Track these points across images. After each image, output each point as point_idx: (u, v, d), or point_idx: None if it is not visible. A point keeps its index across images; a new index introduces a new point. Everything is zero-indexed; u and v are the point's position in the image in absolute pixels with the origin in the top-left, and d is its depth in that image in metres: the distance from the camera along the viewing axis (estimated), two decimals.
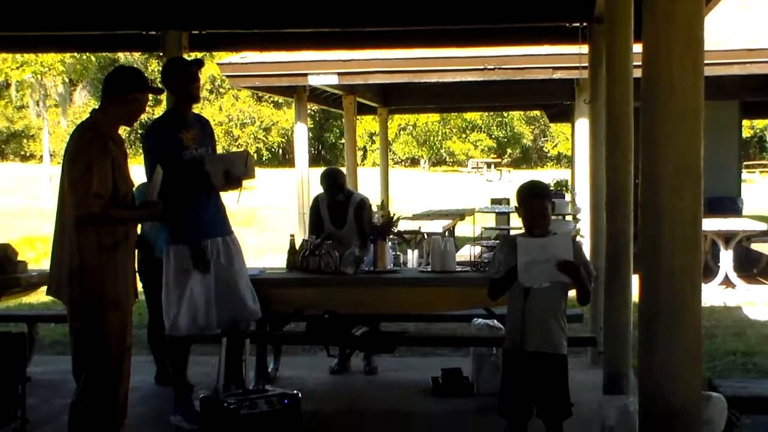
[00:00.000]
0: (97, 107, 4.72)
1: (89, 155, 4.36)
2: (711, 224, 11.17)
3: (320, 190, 7.19)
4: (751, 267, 12.52)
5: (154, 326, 6.71)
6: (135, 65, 34.57)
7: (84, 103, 40.11)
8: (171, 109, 5.80)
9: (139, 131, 42.55)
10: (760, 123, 42.55)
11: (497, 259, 4.49)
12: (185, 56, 7.82)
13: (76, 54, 29.98)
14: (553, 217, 4.53)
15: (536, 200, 4.40)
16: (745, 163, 31.79)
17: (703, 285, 3.19)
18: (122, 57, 35.62)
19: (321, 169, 7.64)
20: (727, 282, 11.50)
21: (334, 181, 6.98)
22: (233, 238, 5.73)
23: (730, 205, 13.95)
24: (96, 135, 4.43)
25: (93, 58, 33.51)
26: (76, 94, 41.88)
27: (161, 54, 7.86)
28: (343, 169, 8.78)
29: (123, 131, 4.72)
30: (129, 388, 4.70)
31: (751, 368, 7.48)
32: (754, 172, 39.23)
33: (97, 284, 4.37)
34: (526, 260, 4.18)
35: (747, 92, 13.91)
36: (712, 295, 10.61)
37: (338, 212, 7.02)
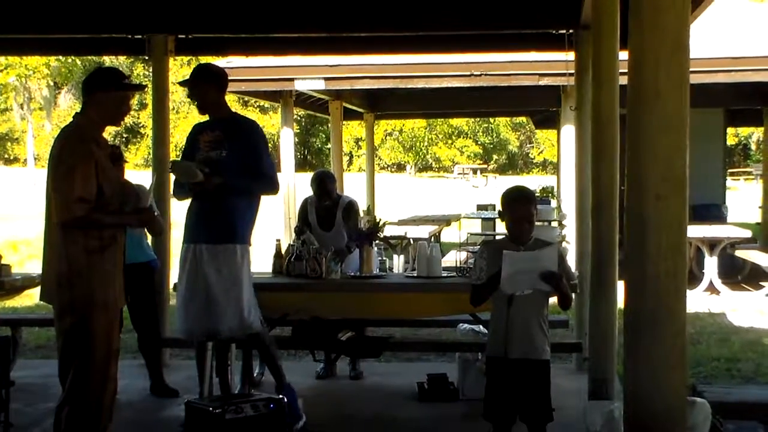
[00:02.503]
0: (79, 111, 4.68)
1: (72, 159, 4.33)
2: (696, 231, 11.23)
3: (308, 192, 7.19)
4: (735, 274, 12.57)
5: (143, 335, 6.69)
6: (120, 69, 34.47)
7: (69, 107, 39.94)
8: None
9: (124, 135, 42.49)
10: (744, 131, 42.79)
11: (478, 266, 4.49)
12: (172, 60, 7.83)
13: (61, 57, 29.88)
14: (538, 223, 4.54)
15: (522, 206, 4.40)
16: (729, 170, 31.94)
17: (687, 291, 3.20)
18: (108, 60, 35.52)
19: (307, 174, 7.65)
20: (711, 288, 11.55)
21: (322, 186, 6.99)
22: (218, 248, 5.54)
23: (715, 212, 14.02)
24: (79, 139, 4.40)
25: (78, 62, 33.44)
26: (61, 97, 41.74)
27: (147, 58, 7.84)
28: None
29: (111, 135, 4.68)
30: (116, 392, 4.67)
31: (735, 374, 7.51)
32: (739, 179, 39.41)
33: (85, 287, 4.35)
34: (510, 272, 4.17)
35: (732, 100, 13.99)
36: (696, 301, 10.66)
37: (326, 215, 7.03)
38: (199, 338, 5.59)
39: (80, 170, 4.29)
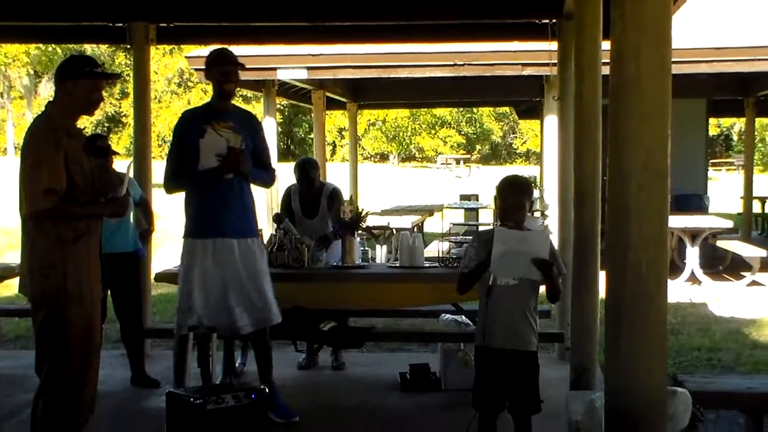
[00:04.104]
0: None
1: (39, 150, 4.27)
2: (678, 221, 11.27)
3: (290, 182, 7.17)
4: (716, 264, 12.64)
5: (126, 325, 6.66)
6: (102, 58, 34.26)
7: (49, 95, 39.55)
8: (208, 101, 5.77)
9: (106, 125, 42.22)
10: (726, 121, 43.04)
11: (468, 254, 4.52)
12: (154, 48, 7.77)
13: (41, 45, 29.64)
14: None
15: (515, 195, 4.42)
16: (711, 161, 32.11)
17: (669, 281, 3.21)
18: (89, 49, 35.29)
19: (290, 164, 7.62)
20: (693, 279, 11.61)
21: (305, 173, 6.96)
22: (247, 242, 5.52)
23: (697, 203, 14.10)
24: (48, 129, 4.34)
25: (59, 50, 33.15)
26: (42, 85, 41.36)
27: (128, 46, 7.79)
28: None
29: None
30: (97, 383, 4.64)
31: (715, 364, 7.56)
32: (721, 169, 39.63)
33: (58, 278, 4.29)
34: (501, 250, 4.17)
35: (714, 90, 14.04)
36: (678, 291, 10.71)
37: (310, 202, 7.00)
38: (223, 334, 5.58)
39: (48, 161, 4.22)
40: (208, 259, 5.46)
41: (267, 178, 5.75)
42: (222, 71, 5.53)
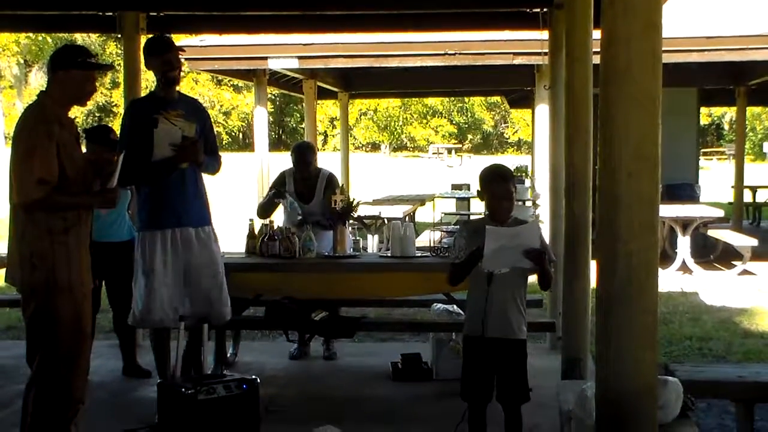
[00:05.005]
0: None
1: (31, 140, 4.24)
2: (669, 210, 11.29)
3: (283, 169, 7.15)
4: (707, 253, 12.67)
5: (119, 315, 6.64)
6: (92, 47, 34.12)
7: (40, 85, 39.40)
8: (153, 90, 5.67)
9: (97, 114, 42.09)
10: (717, 110, 43.10)
11: (458, 245, 4.49)
12: (144, 38, 7.73)
13: (31, 34, 29.48)
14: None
15: (501, 184, 4.39)
16: (702, 150, 32.16)
17: (660, 271, 3.21)
18: (79, 38, 35.14)
19: (281, 154, 7.60)
20: (684, 268, 11.63)
21: (302, 157, 6.94)
22: (205, 230, 5.50)
23: (688, 192, 14.10)
24: (40, 119, 4.31)
25: (49, 39, 33.01)
26: (32, 75, 41.20)
27: (119, 36, 7.75)
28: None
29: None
30: (88, 374, 4.62)
31: (706, 353, 7.58)
32: (712, 159, 39.70)
33: (47, 269, 4.28)
34: (493, 248, 4.16)
35: (705, 80, 14.04)
36: (669, 280, 10.73)
37: (306, 187, 6.97)
38: (192, 324, 5.53)
39: (40, 151, 4.20)
40: (168, 250, 5.40)
41: (216, 164, 5.68)
42: (164, 60, 5.43)
